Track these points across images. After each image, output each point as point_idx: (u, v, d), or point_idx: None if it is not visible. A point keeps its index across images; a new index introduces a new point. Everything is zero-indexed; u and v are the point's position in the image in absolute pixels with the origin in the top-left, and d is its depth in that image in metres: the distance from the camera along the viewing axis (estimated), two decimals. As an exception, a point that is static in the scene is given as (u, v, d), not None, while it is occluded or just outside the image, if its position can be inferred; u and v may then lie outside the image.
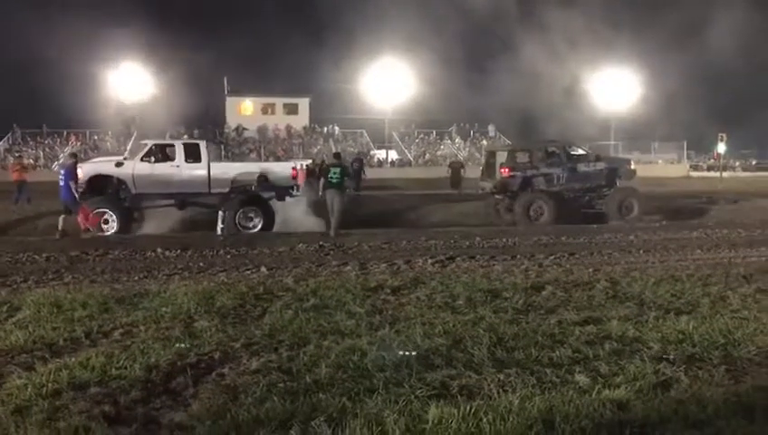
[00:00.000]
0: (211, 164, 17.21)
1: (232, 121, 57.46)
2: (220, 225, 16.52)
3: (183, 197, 17.05)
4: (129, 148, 49.48)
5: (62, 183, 15.43)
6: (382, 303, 8.07)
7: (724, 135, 22.21)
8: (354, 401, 4.79)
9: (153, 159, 17.06)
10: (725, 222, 18.33)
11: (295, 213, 18.55)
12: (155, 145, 17.53)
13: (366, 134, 57.72)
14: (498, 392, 5.01)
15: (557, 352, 5.99)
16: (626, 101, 53.06)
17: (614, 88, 53.38)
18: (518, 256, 12.27)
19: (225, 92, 58.34)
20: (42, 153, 50.78)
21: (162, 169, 16.93)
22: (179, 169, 16.97)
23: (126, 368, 5.61)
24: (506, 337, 6.46)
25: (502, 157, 20.73)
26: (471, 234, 15.39)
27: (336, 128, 58.29)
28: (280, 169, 18.02)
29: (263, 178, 17.43)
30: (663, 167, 48.90)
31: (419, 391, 5.04)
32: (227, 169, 17.57)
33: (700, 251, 12.96)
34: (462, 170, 32.34)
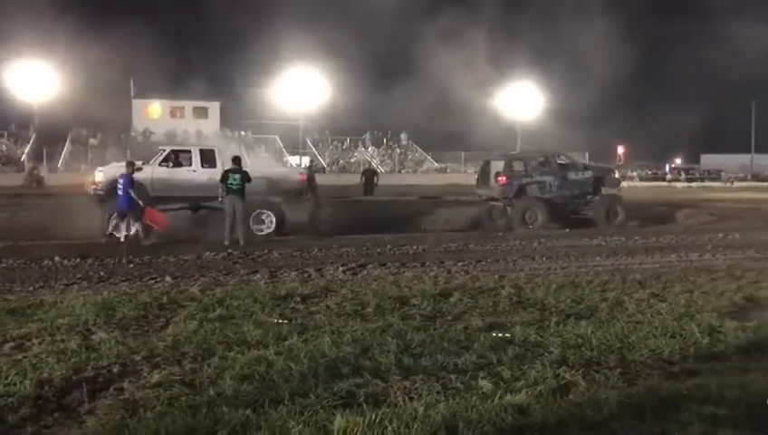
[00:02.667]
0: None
1: (139, 125, 55.59)
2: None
3: (197, 200, 17.30)
4: (26, 151, 47.05)
5: (120, 191, 15.42)
6: (291, 311, 7.99)
7: (622, 147, 23.39)
8: (258, 414, 4.72)
9: (171, 164, 17.46)
10: (623, 230, 19.20)
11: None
12: (172, 151, 17.98)
13: (279, 140, 57.16)
14: (404, 400, 5.04)
15: (462, 358, 6.11)
16: (531, 111, 54.90)
17: (520, 98, 55.15)
18: (428, 263, 12.43)
19: (132, 94, 56.39)
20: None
21: (179, 173, 17.38)
22: (196, 173, 17.37)
23: (15, 384, 5.32)
24: (414, 344, 6.53)
25: (496, 166, 21.51)
26: (383, 241, 15.48)
27: (248, 133, 57.43)
28: (290, 175, 18.97)
29: (273, 183, 17.89)
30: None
31: (326, 401, 5.01)
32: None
33: (599, 258, 13.51)
34: (375, 177, 32.56)
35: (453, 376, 5.65)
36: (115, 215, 15.96)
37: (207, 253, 13.28)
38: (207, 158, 17.65)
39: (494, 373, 5.75)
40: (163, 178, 17.09)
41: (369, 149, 60.38)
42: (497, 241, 16.17)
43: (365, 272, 11.35)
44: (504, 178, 20.74)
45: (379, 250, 14.17)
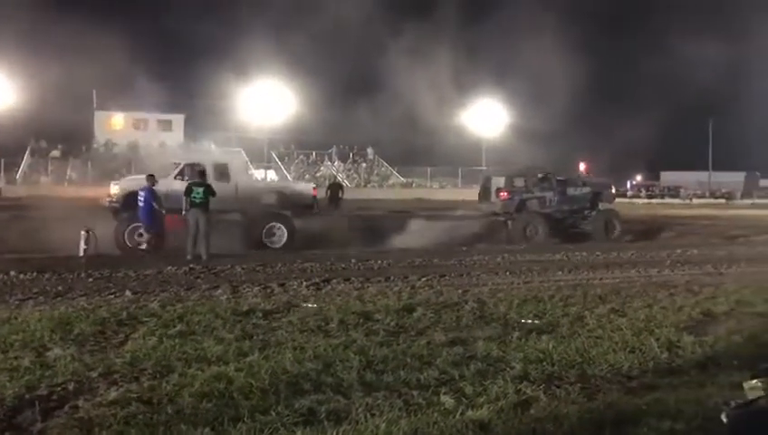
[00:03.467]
0: (238, 183, 18.19)
1: (101, 137, 54.74)
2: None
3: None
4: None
5: (141, 203, 15.77)
6: (253, 327, 7.90)
7: (584, 164, 23.88)
8: (217, 432, 4.65)
9: (186, 177, 17.52)
10: (585, 246, 19.46)
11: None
12: (187, 165, 18.10)
13: (244, 153, 56.79)
14: (365, 417, 5.01)
15: (425, 374, 6.10)
16: (496, 127, 55.52)
17: (485, 114, 55.75)
18: (392, 278, 12.43)
19: (94, 106, 55.55)
20: None
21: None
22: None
23: (-36, 404, 5.15)
24: (376, 360, 6.51)
25: (497, 182, 22.30)
26: (347, 256, 15.44)
27: (213, 146, 56.91)
28: (301, 188, 19.60)
29: (284, 197, 18.43)
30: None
31: (286, 419, 4.96)
32: (253, 188, 18.81)
33: (561, 273, 13.67)
34: (340, 191, 32.54)
35: (415, 392, 5.63)
36: (140, 227, 16.27)
37: (169, 267, 13.08)
38: (221, 171, 18.01)
39: (457, 389, 5.75)
40: (177, 192, 16.85)
41: (336, 163, 60.37)
42: (461, 255, 16.26)
43: (329, 287, 11.30)
44: (506, 193, 21.55)
45: (343, 265, 14.14)
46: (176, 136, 57.10)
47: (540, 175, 22.50)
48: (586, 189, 22.70)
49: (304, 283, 11.55)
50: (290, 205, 18.36)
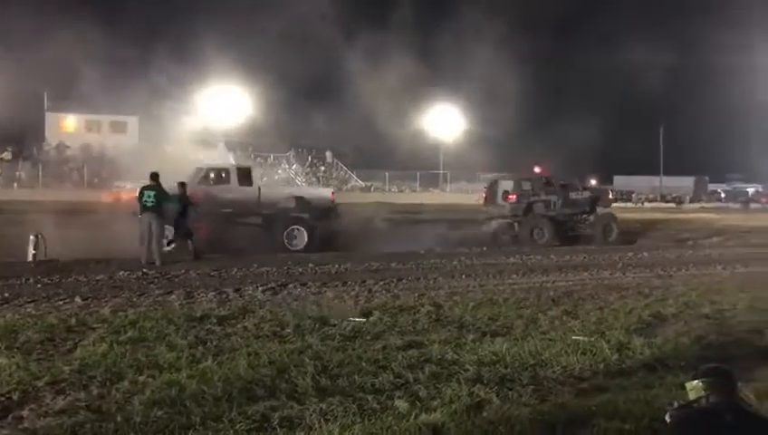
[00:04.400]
0: (261, 187, 18.79)
1: (52, 139, 53.39)
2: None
3: (233, 217, 17.97)
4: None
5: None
6: (207, 333, 7.80)
7: (539, 168, 24.25)
8: (168, 440, 4.57)
9: (211, 182, 18.13)
10: (537, 249, 19.75)
11: None
12: (211, 169, 18.66)
13: (202, 156, 56.02)
14: (319, 422, 5.00)
15: (380, 378, 6.12)
16: (453, 132, 55.91)
17: (442, 119, 56.12)
18: (349, 283, 12.40)
19: (45, 107, 54.16)
20: None
21: (218, 190, 17.96)
22: (233, 191, 18.02)
23: None
24: (331, 365, 6.50)
25: (504, 185, 23.05)
26: (305, 260, 15.36)
27: (167, 148, 56.04)
28: (321, 193, 20.17)
29: (304, 201, 18.84)
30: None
31: (239, 425, 4.92)
32: (275, 192, 19.38)
33: (516, 276, 13.83)
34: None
35: (370, 396, 5.64)
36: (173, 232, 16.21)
37: (121, 272, 12.82)
38: (244, 176, 18.50)
39: (411, 393, 5.79)
40: (201, 196, 17.15)
41: (294, 166, 60.02)
42: (419, 259, 16.32)
43: (285, 292, 11.22)
44: (516, 196, 22.25)
45: (300, 270, 14.05)
46: (130, 138, 56.04)
47: (545, 179, 23.42)
48: (586, 194, 23.71)
49: (260, 288, 11.44)
50: (310, 209, 18.80)
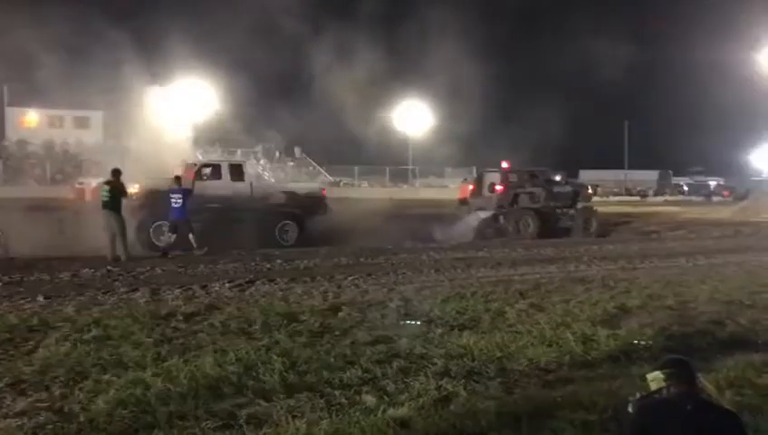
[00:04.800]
0: (252, 182, 18.97)
1: (13, 135, 52.22)
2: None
3: (224, 212, 17.78)
4: None
5: (176, 204, 15.82)
6: (173, 331, 7.72)
7: (506, 163, 24.38)
8: (132, 439, 4.52)
9: (204, 178, 18.17)
10: (506, 242, 19.92)
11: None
12: (204, 165, 18.83)
13: (165, 151, 55.30)
14: (287, 419, 4.98)
15: (348, 374, 6.12)
16: (421, 127, 56.03)
17: (410, 114, 56.19)
18: (318, 278, 12.35)
19: (5, 103, 52.95)
20: None
21: (211, 186, 17.96)
22: (225, 186, 18.08)
23: None
24: (300, 361, 6.48)
25: (491, 177, 23.51)
26: (272, 256, 15.27)
27: (132, 144, 55.16)
28: (312, 189, 20.18)
29: (296, 196, 19.06)
30: (455, 191, 52.21)
31: (206, 423, 4.88)
32: (267, 188, 19.72)
33: (484, 269, 13.92)
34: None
35: (338, 392, 5.64)
36: (167, 226, 16.30)
37: (86, 270, 12.60)
38: (236, 171, 18.64)
39: (379, 387, 5.80)
40: (195, 192, 17.16)
41: (262, 162, 59.61)
42: (388, 254, 16.33)
43: (253, 288, 11.14)
44: (503, 187, 22.62)
45: (268, 265, 13.96)
46: (94, 134, 55.08)
47: (530, 172, 23.87)
48: (569, 188, 24.19)
49: (227, 284, 11.34)
50: (301, 204, 19.05)
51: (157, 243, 16.58)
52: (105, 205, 14.61)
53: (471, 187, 24.83)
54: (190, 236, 15.89)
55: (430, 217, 24.50)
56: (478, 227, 22.77)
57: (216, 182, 18.29)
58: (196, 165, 18.92)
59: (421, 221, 23.56)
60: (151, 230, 16.89)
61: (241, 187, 18.43)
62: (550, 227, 22.81)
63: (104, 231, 14.62)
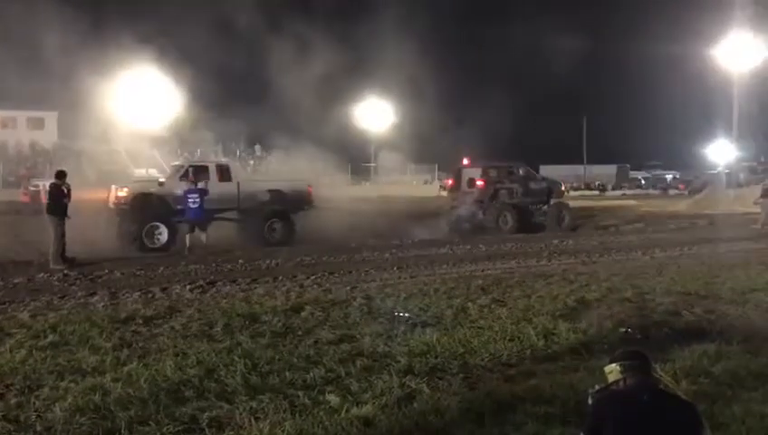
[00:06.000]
0: (240, 182, 18.94)
1: (-36, 136, 50.74)
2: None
3: (210, 212, 17.68)
4: None
5: (194, 204, 16.44)
6: (132, 335, 7.59)
7: (467, 159, 24.63)
8: (91, 447, 4.43)
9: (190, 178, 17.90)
10: (468, 239, 20.08)
11: None
12: (191, 166, 18.67)
13: (124, 153, 54.31)
14: (249, 421, 4.94)
15: (311, 374, 6.09)
16: (382, 124, 56.07)
17: (372, 111, 56.19)
18: (280, 278, 12.28)
19: (-45, 103, 51.40)
20: None
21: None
22: (213, 187, 17.86)
23: None
24: (262, 362, 6.43)
25: (469, 173, 23.99)
26: (234, 257, 15.13)
27: (88, 145, 54.00)
28: (298, 186, 20.05)
29: (282, 195, 19.20)
30: (418, 187, 52.37)
31: (167, 428, 4.82)
32: (253, 187, 19.44)
33: (446, 266, 14.00)
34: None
35: (301, 393, 5.61)
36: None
37: (41, 274, 12.32)
38: (223, 172, 18.83)
39: (343, 387, 5.79)
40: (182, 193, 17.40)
41: (223, 160, 58.92)
42: (351, 252, 16.31)
43: (214, 289, 11.02)
44: (483, 182, 23.15)
45: (229, 266, 13.83)
46: (49, 135, 53.81)
47: (509, 168, 24.36)
48: (544, 184, 24.85)
49: (188, 286, 11.19)
50: (288, 202, 19.24)
51: (150, 245, 16.67)
52: (47, 207, 14.23)
53: (450, 182, 25.42)
54: (203, 235, 16.56)
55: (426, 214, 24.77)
56: (455, 221, 23.07)
57: (203, 183, 17.99)
58: (183, 166, 18.98)
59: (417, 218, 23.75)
60: (144, 233, 16.84)
61: (228, 187, 18.48)
62: (525, 222, 23.24)
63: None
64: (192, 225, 16.63)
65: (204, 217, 16.79)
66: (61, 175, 14.56)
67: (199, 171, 18.41)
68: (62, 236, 13.90)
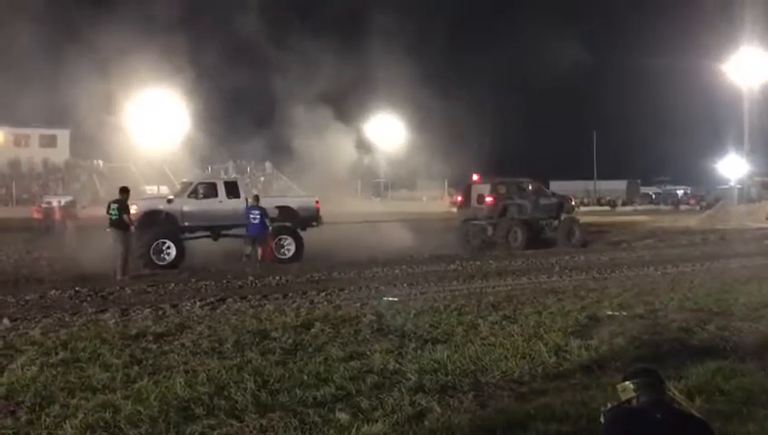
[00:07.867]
0: (248, 199, 18.94)
1: (-23, 154, 51.27)
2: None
3: (218, 229, 18.29)
4: None
5: (256, 220, 17.25)
6: (142, 352, 7.59)
7: (477, 175, 24.61)
8: (101, 465, 4.42)
9: (200, 196, 18.39)
10: (478, 255, 20.02)
11: None
12: (200, 183, 18.93)
13: (134, 169, 54.67)
14: (259, 439, 4.92)
15: (321, 391, 6.06)
16: (393, 140, 56.21)
17: (384, 129, 56.36)
18: (290, 294, 12.28)
19: (-31, 121, 51.99)
20: None
21: (207, 204, 18.16)
22: (222, 204, 18.28)
23: None
24: (272, 380, 6.41)
25: (479, 189, 23.86)
26: (244, 273, 15.15)
27: (100, 162, 54.49)
28: (306, 202, 20.26)
29: (290, 211, 19.26)
30: (427, 203, 52.40)
31: (176, 446, 4.79)
32: (262, 204, 18.98)
33: (456, 282, 13.96)
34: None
35: (311, 410, 5.58)
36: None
37: (53, 291, 12.38)
38: (232, 189, 18.88)
39: (353, 404, 5.75)
40: (191, 210, 18.00)
41: (233, 177, 59.19)
42: (361, 268, 16.29)
43: (224, 306, 11.02)
44: (493, 198, 22.99)
45: (239, 283, 13.85)
46: (61, 152, 54.35)
47: (518, 184, 24.24)
48: (554, 199, 24.67)
49: (198, 303, 11.21)
50: (296, 218, 19.30)
51: (158, 262, 16.73)
52: (112, 222, 14.62)
53: (459, 198, 25.30)
54: (259, 249, 17.23)
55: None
56: (465, 238, 23.06)
57: (212, 200, 18.42)
58: (191, 183, 19.17)
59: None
60: (152, 250, 16.89)
61: (236, 203, 18.53)
62: (535, 238, 23.13)
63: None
64: (253, 239, 17.36)
65: (264, 233, 17.41)
66: (124, 190, 15.00)
67: (208, 188, 18.59)
68: (127, 249, 14.63)
